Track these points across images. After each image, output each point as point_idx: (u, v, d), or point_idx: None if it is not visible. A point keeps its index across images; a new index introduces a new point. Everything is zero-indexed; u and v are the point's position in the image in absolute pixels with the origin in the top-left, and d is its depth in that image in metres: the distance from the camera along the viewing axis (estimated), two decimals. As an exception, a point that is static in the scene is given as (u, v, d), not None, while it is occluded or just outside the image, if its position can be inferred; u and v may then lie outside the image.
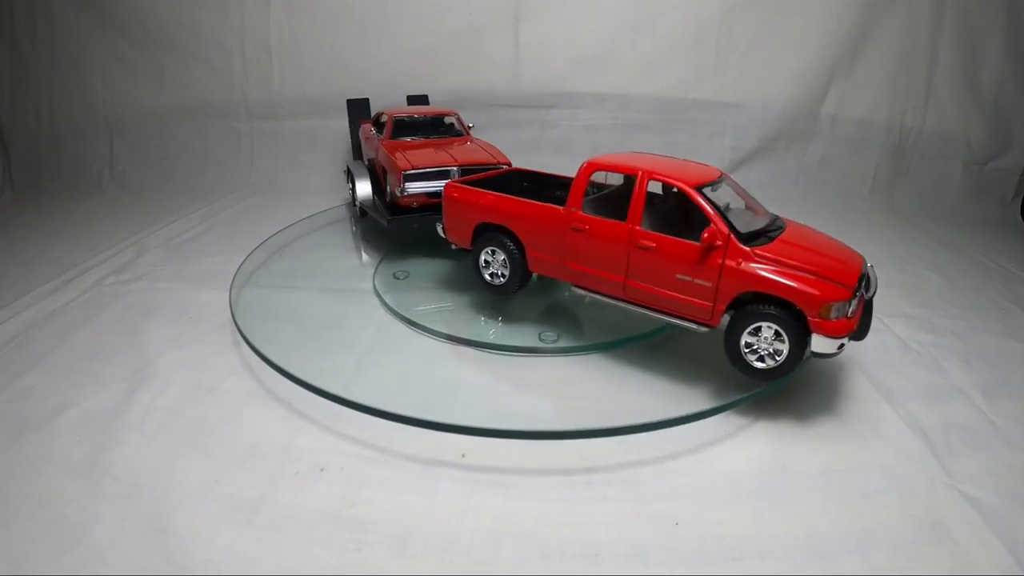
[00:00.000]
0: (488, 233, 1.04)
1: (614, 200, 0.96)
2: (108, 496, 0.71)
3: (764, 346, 0.82)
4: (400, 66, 2.16)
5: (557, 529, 0.68)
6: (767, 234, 0.87)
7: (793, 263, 0.80)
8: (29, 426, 0.83)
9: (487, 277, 1.08)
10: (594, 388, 0.95)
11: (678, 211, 0.93)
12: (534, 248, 1.00)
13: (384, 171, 1.41)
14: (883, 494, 0.75)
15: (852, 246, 1.71)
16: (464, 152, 1.39)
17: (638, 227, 0.88)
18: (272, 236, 1.46)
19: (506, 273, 1.05)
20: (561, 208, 0.95)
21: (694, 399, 0.88)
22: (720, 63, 2.19)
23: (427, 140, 1.47)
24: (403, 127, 1.49)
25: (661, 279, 0.87)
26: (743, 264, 0.80)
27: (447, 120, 1.59)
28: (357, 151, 1.78)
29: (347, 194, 1.71)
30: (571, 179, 0.97)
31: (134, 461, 0.77)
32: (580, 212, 0.93)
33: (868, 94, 2.22)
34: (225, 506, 0.70)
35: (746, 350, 0.84)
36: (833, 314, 0.77)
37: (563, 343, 1.03)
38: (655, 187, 0.94)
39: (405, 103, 1.98)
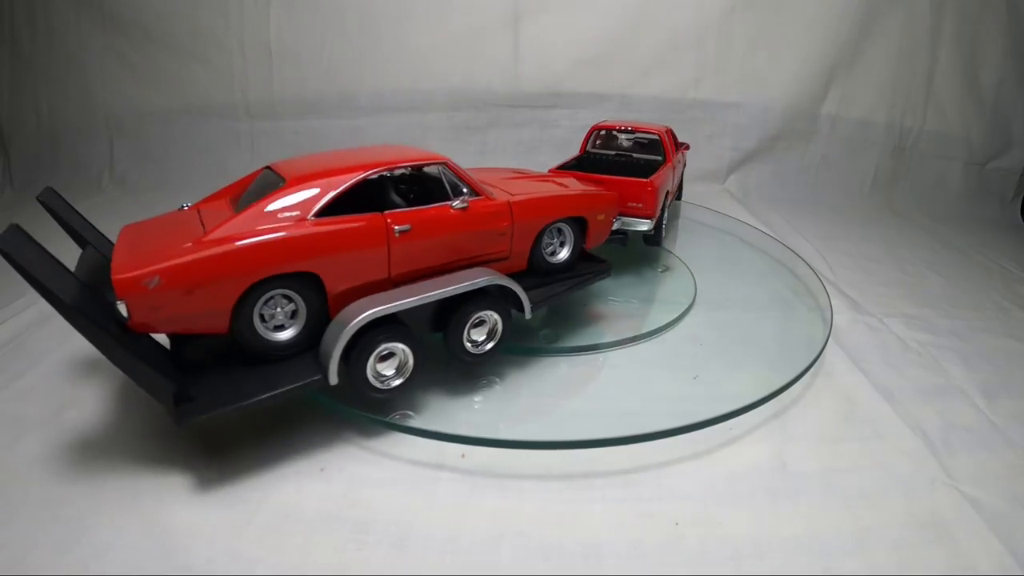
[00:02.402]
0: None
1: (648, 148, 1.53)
2: (108, 496, 0.71)
3: None
4: (400, 66, 2.16)
5: (557, 529, 0.68)
6: None
7: None
8: (29, 426, 0.83)
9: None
10: (594, 390, 0.95)
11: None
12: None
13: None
14: (883, 494, 0.75)
15: (852, 245, 1.73)
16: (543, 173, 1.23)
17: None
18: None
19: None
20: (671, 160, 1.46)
21: (695, 402, 0.88)
22: (720, 63, 2.19)
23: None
24: None
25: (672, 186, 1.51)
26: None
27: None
28: None
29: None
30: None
31: (134, 461, 0.77)
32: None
33: (868, 94, 2.22)
34: (225, 506, 0.70)
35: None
36: None
37: (563, 343, 1.03)
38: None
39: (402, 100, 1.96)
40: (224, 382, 0.74)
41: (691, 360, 1.01)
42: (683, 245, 1.47)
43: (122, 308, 0.68)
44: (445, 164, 0.89)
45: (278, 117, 2.20)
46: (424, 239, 0.84)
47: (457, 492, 0.73)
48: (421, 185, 0.92)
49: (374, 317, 0.75)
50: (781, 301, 1.27)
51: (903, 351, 1.11)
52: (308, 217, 0.76)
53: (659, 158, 1.48)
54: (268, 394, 0.72)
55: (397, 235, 0.81)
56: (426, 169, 0.90)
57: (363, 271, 0.80)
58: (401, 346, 0.79)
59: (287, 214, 0.76)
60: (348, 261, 0.79)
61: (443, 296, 0.82)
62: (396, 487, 0.73)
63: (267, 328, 0.77)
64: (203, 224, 0.78)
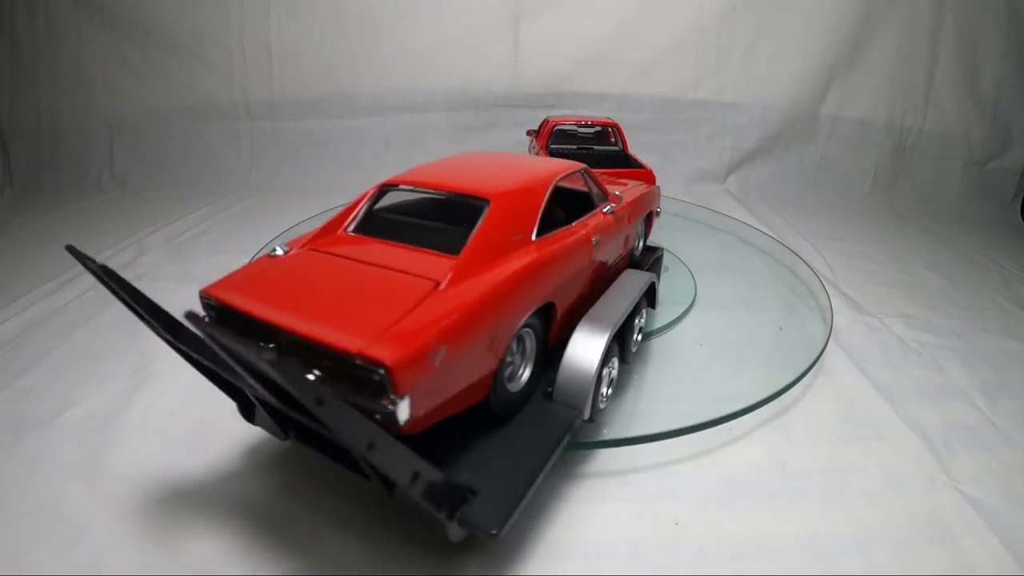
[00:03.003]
0: None
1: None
2: (108, 496, 0.71)
3: None
4: (400, 66, 2.17)
5: (557, 529, 0.68)
6: None
7: None
8: (29, 426, 0.83)
9: None
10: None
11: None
12: None
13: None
14: (883, 494, 0.75)
15: (852, 245, 1.72)
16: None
17: None
18: (276, 238, 1.45)
19: None
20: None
21: (695, 402, 0.87)
22: (720, 63, 2.19)
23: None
24: None
25: None
26: None
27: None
28: None
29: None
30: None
31: (134, 461, 0.77)
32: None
33: (868, 94, 2.23)
34: (226, 505, 0.70)
35: None
36: None
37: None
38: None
39: (409, 99, 1.97)
40: (481, 460, 0.57)
41: (691, 360, 1.01)
42: (683, 245, 1.47)
43: (401, 409, 0.46)
44: (585, 170, 0.85)
45: (278, 117, 2.20)
46: (604, 248, 0.79)
47: (457, 492, 0.73)
48: (567, 194, 0.86)
49: (612, 339, 0.68)
50: (781, 301, 1.27)
51: (903, 351, 1.11)
52: (532, 239, 0.66)
53: (616, 148, 1.54)
54: (550, 456, 0.58)
55: (594, 247, 0.75)
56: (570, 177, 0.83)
57: (576, 290, 0.73)
58: (614, 361, 0.75)
59: (515, 238, 0.63)
60: (571, 281, 0.71)
61: (636, 301, 0.78)
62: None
63: (506, 378, 0.63)
64: (389, 267, 0.59)
